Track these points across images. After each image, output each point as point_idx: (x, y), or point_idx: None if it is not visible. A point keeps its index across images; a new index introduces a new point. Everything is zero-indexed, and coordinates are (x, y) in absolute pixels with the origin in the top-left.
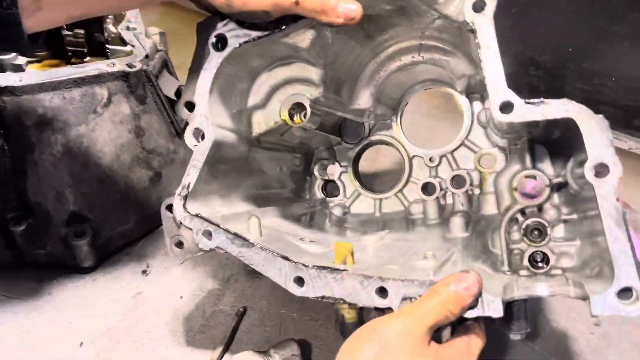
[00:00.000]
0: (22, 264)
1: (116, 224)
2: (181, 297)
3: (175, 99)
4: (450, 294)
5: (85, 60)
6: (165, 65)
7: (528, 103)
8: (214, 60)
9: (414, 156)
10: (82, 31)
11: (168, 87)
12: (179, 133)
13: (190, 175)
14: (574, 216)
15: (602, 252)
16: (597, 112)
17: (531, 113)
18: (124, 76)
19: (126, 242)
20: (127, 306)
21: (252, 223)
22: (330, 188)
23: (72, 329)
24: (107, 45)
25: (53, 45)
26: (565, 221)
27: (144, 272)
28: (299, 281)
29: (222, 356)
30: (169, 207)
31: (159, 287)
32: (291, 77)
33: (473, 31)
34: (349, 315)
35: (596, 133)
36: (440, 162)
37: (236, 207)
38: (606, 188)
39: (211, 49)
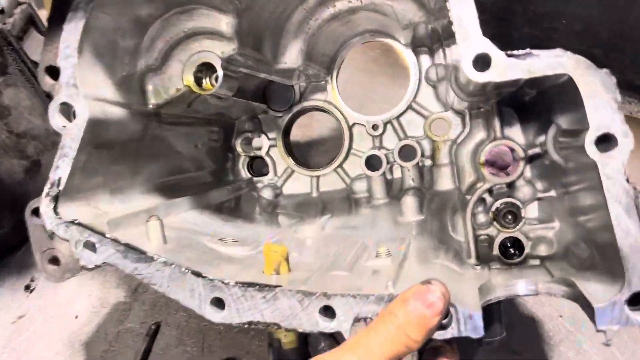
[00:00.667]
0: None
1: None
2: (76, 317)
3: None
4: (411, 316)
5: None
6: (32, 22)
7: (510, 56)
8: (80, 11)
9: (354, 124)
10: None
11: (38, 50)
12: None
13: (61, 168)
14: (552, 193)
15: (589, 236)
16: None
17: (514, 69)
18: None
19: (1, 251)
20: (6, 335)
21: (152, 227)
22: (258, 166)
23: None
24: None
25: None
26: (539, 199)
27: (27, 287)
28: (218, 303)
29: None
30: (36, 212)
31: (48, 306)
32: (194, 29)
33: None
34: (286, 340)
35: (600, 94)
36: (384, 130)
37: (134, 203)
38: (613, 165)
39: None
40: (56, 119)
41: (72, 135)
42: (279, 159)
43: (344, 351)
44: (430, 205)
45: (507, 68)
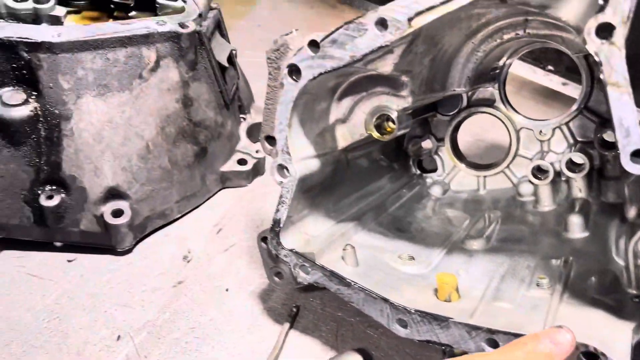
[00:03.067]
0: (52, 242)
1: (156, 204)
2: (227, 290)
3: (227, 65)
4: (539, 347)
5: (130, 15)
6: (218, 26)
7: None
8: (289, 93)
9: (521, 128)
10: None
11: (220, 51)
12: (227, 104)
13: (281, 212)
14: None
15: None
16: None
17: None
18: (174, 37)
19: (165, 223)
20: (167, 297)
21: (348, 254)
22: (426, 163)
23: (107, 320)
24: None
25: None
26: None
27: (184, 258)
28: (402, 322)
29: None
30: (264, 240)
31: (202, 276)
32: (375, 90)
33: (597, 63)
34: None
35: None
36: (553, 134)
37: (329, 226)
38: None
39: (285, 81)
40: (275, 176)
41: (287, 188)
42: (447, 159)
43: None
44: (597, 221)
45: None
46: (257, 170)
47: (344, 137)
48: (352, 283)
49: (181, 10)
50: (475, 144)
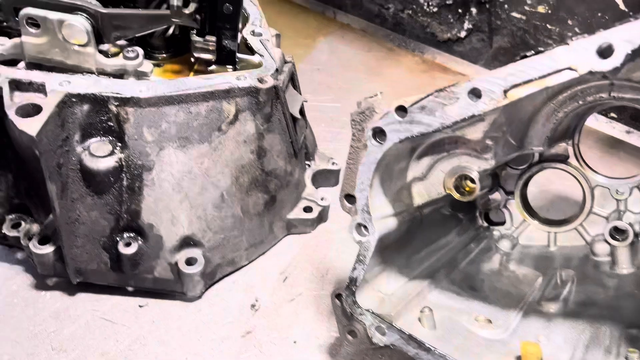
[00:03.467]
0: (125, 287)
1: (227, 251)
2: (295, 342)
3: (299, 117)
4: None
5: (210, 68)
6: (292, 78)
7: None
8: (373, 155)
9: (596, 186)
10: (213, 39)
11: (293, 103)
12: (296, 153)
13: (357, 270)
14: None
15: None
16: None
17: None
18: (253, 92)
19: (234, 270)
20: (236, 347)
21: (425, 317)
22: (494, 217)
23: None
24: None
25: (175, 48)
26: None
27: (252, 306)
28: None
29: None
30: (339, 297)
31: (270, 327)
32: (456, 151)
33: None
34: None
35: None
36: (631, 194)
37: (402, 283)
38: None
39: (369, 142)
40: (354, 235)
41: (365, 247)
42: (516, 212)
43: None
44: None
45: None
46: (322, 217)
47: (421, 194)
48: (433, 349)
49: (259, 64)
50: (540, 195)
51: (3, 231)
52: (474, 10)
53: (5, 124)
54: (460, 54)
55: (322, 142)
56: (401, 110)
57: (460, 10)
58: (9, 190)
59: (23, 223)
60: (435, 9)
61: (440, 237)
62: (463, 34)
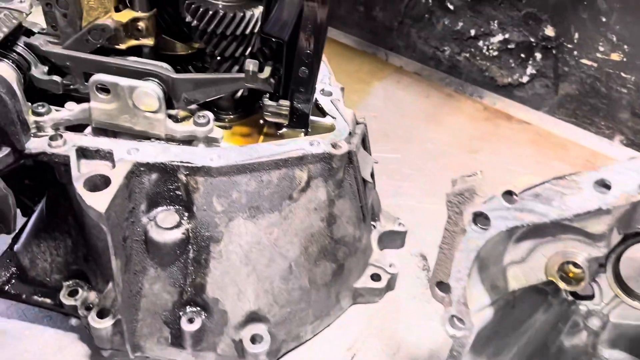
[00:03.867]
0: None
1: (292, 326)
2: None
3: (370, 180)
4: None
5: (280, 132)
6: (363, 140)
7: None
8: (473, 242)
9: None
10: (286, 102)
11: (364, 166)
12: (366, 217)
13: None
14: None
15: None
16: None
17: None
18: (327, 158)
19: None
20: None
21: None
22: (581, 291)
23: None
24: None
25: (244, 109)
26: None
27: None
28: None
29: None
30: None
31: None
32: (563, 237)
33: None
34: None
35: None
36: None
37: None
38: None
39: (469, 227)
40: (448, 328)
41: (461, 343)
42: (606, 287)
43: None
44: None
45: None
46: (390, 285)
47: (517, 279)
48: None
49: (331, 127)
50: (625, 262)
51: (60, 299)
52: (538, 55)
53: (69, 190)
54: (521, 100)
55: (384, 197)
56: (509, 194)
57: (522, 55)
58: (67, 256)
59: (80, 290)
60: (495, 53)
61: (529, 316)
62: (525, 79)
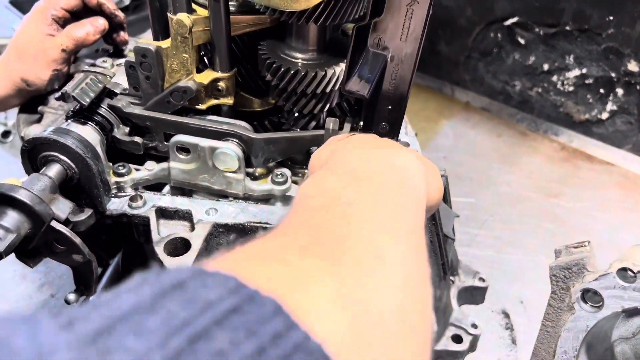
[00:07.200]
0: None
1: None
2: None
3: (452, 237)
4: None
5: None
6: (444, 192)
7: None
8: (582, 321)
9: None
10: None
11: (446, 222)
12: (446, 274)
13: None
14: None
15: None
16: None
17: None
18: None
19: None
20: None
21: None
22: None
23: None
24: None
25: None
26: None
27: None
28: None
29: None
30: None
31: None
32: None
33: None
34: None
35: None
36: None
37: None
38: None
39: (577, 305)
40: None
41: None
42: None
43: None
44: None
45: None
46: (472, 346)
47: (625, 355)
48: None
49: None
50: None
51: None
52: (619, 90)
53: (145, 249)
54: (601, 137)
55: (459, 247)
56: (626, 271)
57: (602, 91)
58: None
59: None
60: (571, 88)
61: None
62: (605, 115)
